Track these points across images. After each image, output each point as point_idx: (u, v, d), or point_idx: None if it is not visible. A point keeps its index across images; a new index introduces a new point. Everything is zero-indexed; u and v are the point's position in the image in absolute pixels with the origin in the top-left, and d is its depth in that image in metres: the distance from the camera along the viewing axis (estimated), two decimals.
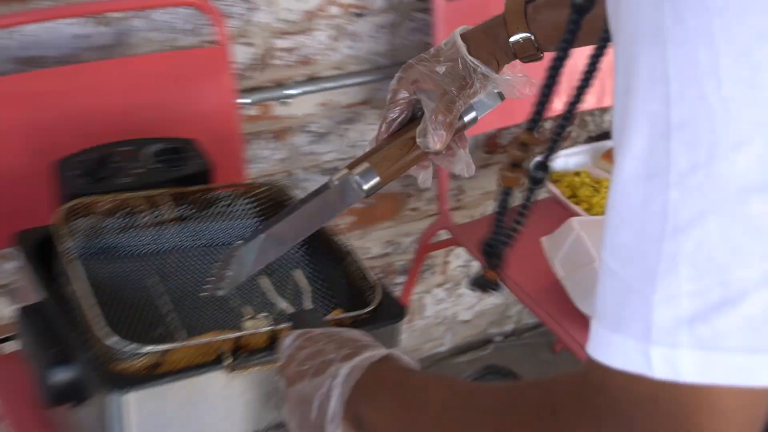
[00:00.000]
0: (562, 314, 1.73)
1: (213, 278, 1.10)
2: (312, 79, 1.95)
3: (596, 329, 0.67)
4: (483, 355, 2.69)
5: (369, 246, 2.26)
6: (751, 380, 0.62)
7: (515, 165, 1.03)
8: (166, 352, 1.11)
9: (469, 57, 1.10)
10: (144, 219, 1.38)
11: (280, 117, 1.95)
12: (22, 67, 1.68)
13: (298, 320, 1.13)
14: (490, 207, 2.38)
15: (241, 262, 1.09)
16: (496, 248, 1.12)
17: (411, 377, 0.92)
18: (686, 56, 0.60)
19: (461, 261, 2.46)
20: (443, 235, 2.14)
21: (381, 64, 2.02)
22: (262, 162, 1.98)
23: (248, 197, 1.44)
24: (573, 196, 2.09)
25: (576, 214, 1.98)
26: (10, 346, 1.76)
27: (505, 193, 1.07)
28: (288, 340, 1.03)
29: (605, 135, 2.49)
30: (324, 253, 1.39)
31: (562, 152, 2.20)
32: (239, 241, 1.10)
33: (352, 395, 0.92)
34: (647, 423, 0.65)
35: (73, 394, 1.23)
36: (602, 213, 2.05)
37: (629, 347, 0.64)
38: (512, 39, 1.10)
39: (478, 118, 1.11)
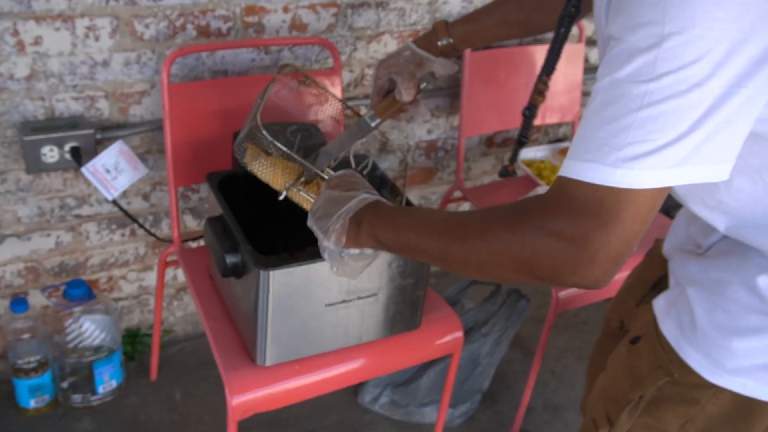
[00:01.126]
0: None
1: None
2: None
3: (572, 163, 0.68)
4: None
5: (410, 197, 2.28)
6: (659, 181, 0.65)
7: (540, 93, 1.13)
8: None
9: (418, 49, 1.19)
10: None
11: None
12: (216, 75, 1.71)
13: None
14: (488, 179, 2.41)
15: (311, 166, 1.13)
16: (519, 147, 1.20)
17: (397, 208, 0.91)
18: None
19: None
20: (457, 194, 2.15)
21: (428, 88, 2.06)
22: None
23: None
24: (539, 175, 2.09)
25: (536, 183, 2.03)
26: (193, 245, 1.84)
27: (530, 109, 1.16)
28: (339, 172, 1.02)
29: (559, 140, 2.49)
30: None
31: (531, 149, 2.22)
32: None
33: (361, 210, 0.91)
34: (592, 216, 0.66)
35: (239, 270, 1.22)
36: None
37: (599, 169, 0.65)
38: (439, 43, 1.20)
39: (429, 83, 1.19)
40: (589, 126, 0.69)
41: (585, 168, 0.68)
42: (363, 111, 1.23)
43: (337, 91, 1.72)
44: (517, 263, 0.72)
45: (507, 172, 1.31)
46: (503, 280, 0.76)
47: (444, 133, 2.21)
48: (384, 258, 1.25)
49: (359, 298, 1.26)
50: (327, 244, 0.93)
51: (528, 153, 2.17)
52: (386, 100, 1.20)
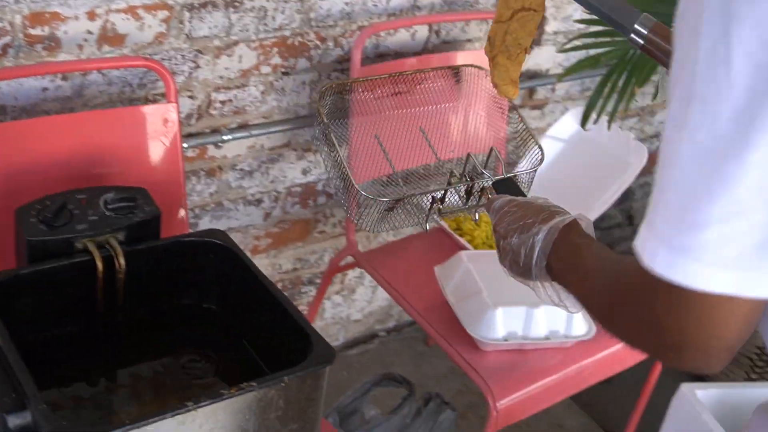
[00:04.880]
0: (450, 332, 1.68)
1: None
2: (243, 126, 1.85)
3: (660, 249, 0.72)
4: (370, 348, 2.64)
5: (281, 263, 2.17)
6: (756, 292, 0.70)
7: None
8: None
9: None
10: None
11: (214, 158, 1.85)
12: None
13: (501, 186, 1.21)
14: (385, 236, 2.31)
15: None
16: None
17: (582, 241, 1.00)
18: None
19: (357, 273, 2.40)
20: (349, 260, 2.06)
21: (301, 113, 1.94)
22: (195, 195, 1.87)
23: None
24: (458, 229, 2.04)
25: (461, 246, 1.95)
26: None
27: None
28: (498, 204, 1.11)
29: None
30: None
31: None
32: None
33: (548, 248, 1.01)
34: (692, 323, 0.72)
35: None
36: (483, 246, 2.03)
37: (692, 269, 0.70)
38: None
39: None
40: None
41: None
42: None
43: (173, 127, 1.53)
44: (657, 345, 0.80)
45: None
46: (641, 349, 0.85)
47: (324, 173, 2.07)
48: (258, 398, 1.09)
49: None
50: (543, 296, 1.05)
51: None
52: None
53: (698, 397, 1.84)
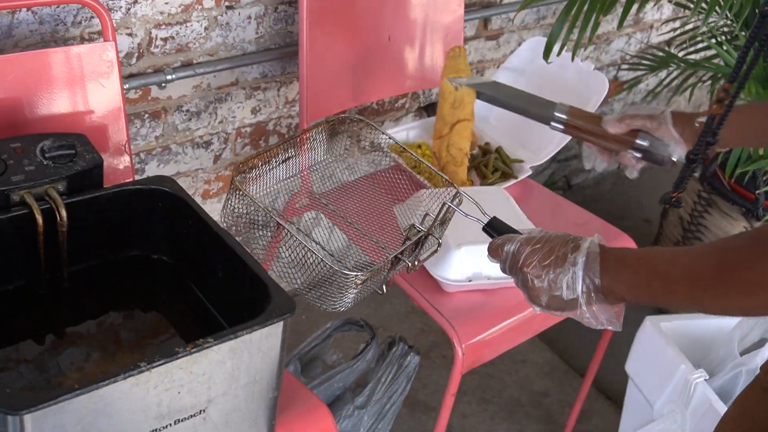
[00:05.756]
0: (412, 274, 1.62)
1: None
2: (187, 65, 1.76)
3: None
4: None
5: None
6: None
7: (718, 101, 1.14)
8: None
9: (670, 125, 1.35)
10: None
11: (158, 99, 1.76)
12: None
13: (492, 228, 1.19)
14: (340, 176, 2.25)
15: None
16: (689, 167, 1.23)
17: (626, 252, 1.05)
18: None
19: (313, 214, 2.34)
20: (304, 202, 1.99)
21: (248, 50, 1.85)
22: (140, 139, 1.79)
23: None
24: (415, 167, 1.98)
25: (420, 184, 1.89)
26: None
27: (711, 119, 1.17)
28: (514, 247, 1.10)
29: (432, 105, 2.40)
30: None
31: (402, 126, 2.10)
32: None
33: (596, 273, 1.03)
34: None
35: None
36: (441, 184, 1.98)
37: None
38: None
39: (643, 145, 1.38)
40: None
41: None
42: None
43: (111, 68, 1.45)
44: None
45: (671, 201, 1.28)
46: (762, 314, 0.95)
47: (276, 111, 2.02)
48: (216, 354, 1.05)
49: (178, 421, 1.08)
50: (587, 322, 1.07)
51: (397, 133, 2.01)
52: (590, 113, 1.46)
53: (663, 329, 1.84)
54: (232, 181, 1.26)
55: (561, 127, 1.48)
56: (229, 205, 1.29)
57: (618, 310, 1.07)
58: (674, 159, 1.37)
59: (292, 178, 1.82)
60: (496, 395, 2.22)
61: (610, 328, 1.08)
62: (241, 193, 1.27)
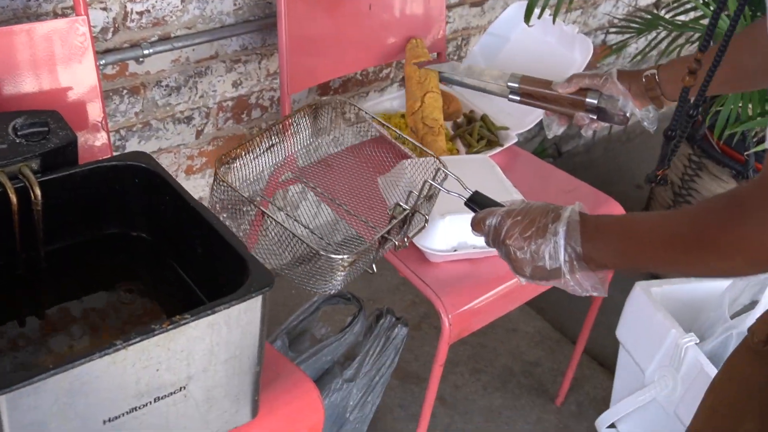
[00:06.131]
0: None
1: None
2: (164, 39, 1.74)
3: None
4: None
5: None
6: None
7: (691, 73, 1.15)
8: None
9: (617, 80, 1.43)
10: None
11: (136, 74, 1.74)
12: None
13: (474, 203, 1.20)
14: (326, 149, 2.24)
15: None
16: (668, 143, 1.24)
17: (606, 220, 1.05)
18: None
19: (299, 188, 2.33)
20: (288, 175, 1.98)
21: (227, 22, 1.83)
22: (119, 116, 1.77)
23: None
24: (398, 137, 1.96)
25: (404, 154, 1.87)
26: None
27: (685, 91, 1.17)
28: (495, 220, 1.10)
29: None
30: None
31: (387, 96, 2.08)
32: None
33: (577, 241, 1.04)
34: None
35: None
36: (424, 153, 1.97)
37: None
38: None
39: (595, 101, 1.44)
40: None
41: None
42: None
43: (84, 43, 1.42)
44: (752, 262, 0.87)
45: (656, 179, 1.30)
46: (740, 276, 1.03)
47: (257, 84, 2.00)
48: (194, 331, 1.04)
49: (158, 399, 1.07)
50: (572, 290, 1.08)
51: (381, 103, 2.00)
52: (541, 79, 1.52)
53: (653, 294, 1.84)
54: (215, 173, 1.25)
55: (518, 98, 1.56)
56: (214, 197, 1.29)
57: (603, 277, 1.06)
58: (627, 114, 1.42)
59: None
60: (488, 365, 2.22)
61: (595, 294, 1.08)
62: (225, 185, 1.28)
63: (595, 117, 1.46)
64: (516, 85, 1.55)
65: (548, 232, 1.06)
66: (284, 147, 1.58)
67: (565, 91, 1.47)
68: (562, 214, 1.06)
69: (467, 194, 1.22)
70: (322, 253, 1.24)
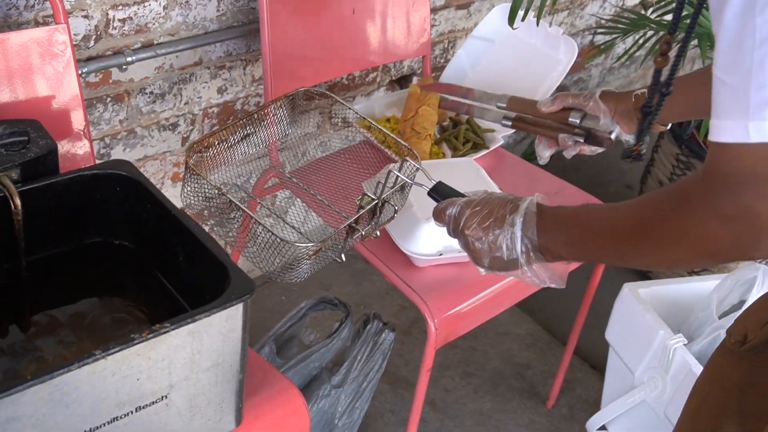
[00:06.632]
0: (384, 250, 1.63)
1: None
2: (147, 46, 1.73)
3: (712, 123, 0.79)
4: None
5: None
6: None
7: (662, 54, 1.17)
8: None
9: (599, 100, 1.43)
10: None
11: (119, 82, 1.74)
12: None
13: (437, 192, 1.22)
14: (314, 153, 2.24)
15: None
16: (645, 119, 1.27)
17: (562, 211, 1.05)
18: None
19: (287, 194, 2.33)
20: (274, 181, 1.98)
21: (210, 28, 1.83)
22: (103, 123, 1.77)
23: None
24: (384, 141, 1.96)
25: (390, 158, 1.87)
26: None
27: (657, 72, 1.20)
28: (455, 210, 1.12)
29: (404, 78, 2.38)
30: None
31: (373, 98, 2.08)
32: None
33: (533, 232, 1.05)
34: (749, 187, 0.79)
35: None
36: (403, 154, 1.97)
37: (733, 126, 0.77)
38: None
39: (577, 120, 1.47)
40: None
41: (720, 127, 0.79)
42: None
43: (65, 51, 1.41)
44: (695, 254, 0.88)
45: (632, 154, 1.34)
46: (685, 268, 0.98)
47: (243, 90, 1.99)
48: (174, 339, 1.04)
49: (140, 408, 1.07)
50: (530, 281, 1.09)
51: (368, 107, 1.99)
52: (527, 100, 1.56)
53: (641, 296, 1.84)
54: (185, 162, 1.24)
55: (509, 123, 1.60)
56: (185, 188, 1.29)
57: (562, 269, 1.08)
58: (612, 136, 1.43)
59: (262, 158, 1.81)
60: (479, 368, 2.22)
61: (552, 285, 1.10)
62: (196, 175, 1.27)
63: (582, 140, 1.46)
64: (504, 105, 1.59)
65: (506, 222, 1.07)
66: (264, 137, 1.57)
67: (548, 110, 1.49)
68: (520, 205, 1.07)
69: (431, 184, 1.22)
70: (286, 240, 1.24)
